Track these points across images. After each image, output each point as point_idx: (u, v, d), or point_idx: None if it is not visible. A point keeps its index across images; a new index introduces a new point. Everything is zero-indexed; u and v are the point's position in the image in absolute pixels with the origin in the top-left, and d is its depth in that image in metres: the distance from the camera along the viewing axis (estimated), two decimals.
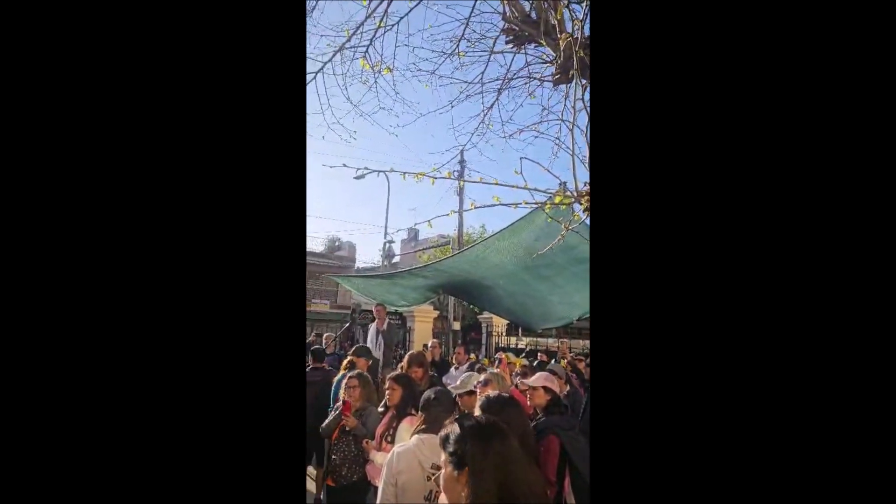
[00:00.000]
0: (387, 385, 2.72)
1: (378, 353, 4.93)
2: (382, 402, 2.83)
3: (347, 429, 2.83)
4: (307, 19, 3.10)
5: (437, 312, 8.07)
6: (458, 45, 3.36)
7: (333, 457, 2.87)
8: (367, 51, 3.61)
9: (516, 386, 3.13)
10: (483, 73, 3.47)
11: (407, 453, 1.83)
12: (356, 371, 3.23)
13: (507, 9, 2.80)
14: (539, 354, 5.91)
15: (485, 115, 3.70)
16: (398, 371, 3.17)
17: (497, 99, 3.61)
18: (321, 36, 3.18)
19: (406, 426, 2.36)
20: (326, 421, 3.04)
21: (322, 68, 3.03)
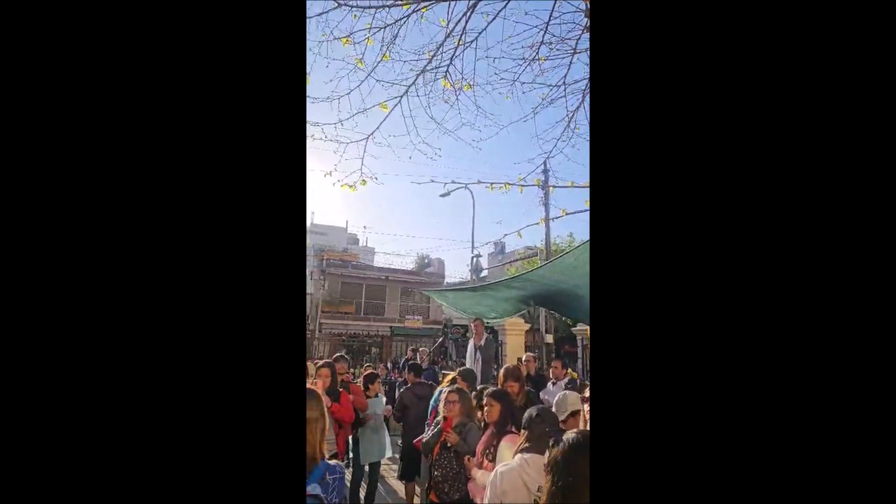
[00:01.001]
0: (484, 401, 2.68)
1: (476, 369, 4.91)
2: (481, 418, 2.79)
3: (448, 445, 2.82)
4: (391, 48, 3.25)
5: (529, 325, 7.87)
6: (537, 51, 3.30)
7: (436, 473, 2.88)
8: (447, 70, 3.70)
9: None
10: (566, 75, 3.36)
11: (511, 473, 1.76)
12: (455, 386, 3.23)
13: (590, 4, 2.70)
14: None
15: (570, 119, 3.57)
16: (495, 386, 3.11)
17: (582, 101, 3.46)
18: (403, 62, 3.30)
19: (507, 444, 2.29)
20: (427, 436, 3.06)
21: (406, 92, 3.14)
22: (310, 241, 21.86)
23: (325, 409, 1.65)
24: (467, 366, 5.09)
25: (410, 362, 4.90)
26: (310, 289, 18.86)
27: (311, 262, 19.70)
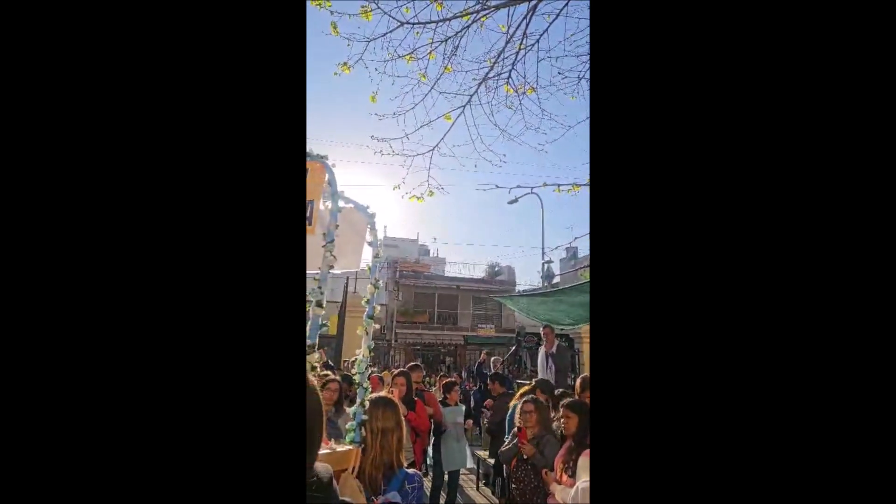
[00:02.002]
0: (561, 412, 2.58)
1: (549, 377, 4.75)
2: (558, 431, 2.69)
3: (525, 457, 2.75)
4: (452, 59, 3.30)
5: None
6: None
7: (513, 486, 2.81)
8: (509, 75, 3.67)
9: None
10: None
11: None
12: (531, 396, 3.15)
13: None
14: None
15: None
16: (572, 397, 2.98)
17: None
18: (465, 72, 3.33)
19: (587, 459, 2.18)
20: (503, 447, 3.00)
21: (468, 101, 3.16)
22: (383, 253, 22.61)
23: (402, 419, 1.67)
24: (539, 376, 4.94)
25: (495, 373, 4.84)
26: (384, 299, 19.48)
27: (385, 274, 20.38)
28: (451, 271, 23.77)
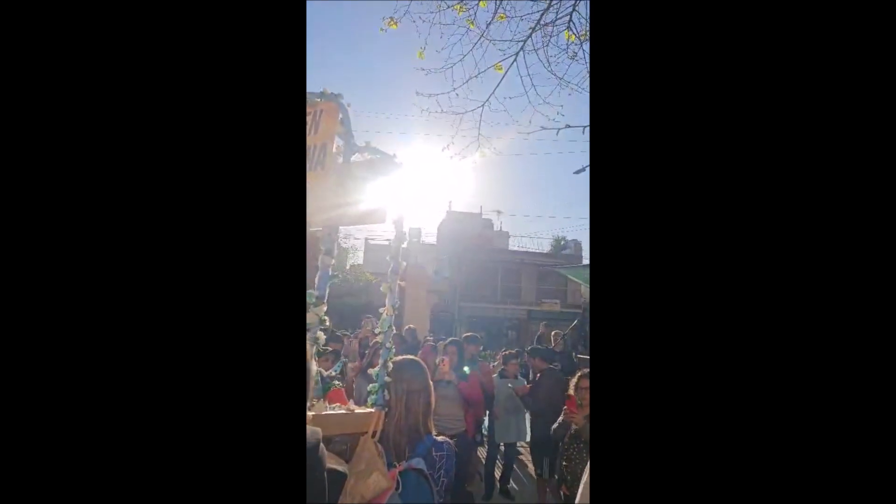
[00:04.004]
0: None
1: None
2: None
3: (575, 427, 2.56)
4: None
5: None
6: None
7: (564, 463, 2.63)
8: (570, 20, 3.31)
9: None
10: None
11: None
12: (587, 371, 2.92)
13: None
14: None
15: None
16: None
17: None
18: (521, 18, 3.03)
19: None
20: (555, 425, 2.83)
21: (521, 48, 2.88)
22: (448, 227, 22.71)
23: (430, 382, 1.55)
24: None
25: (535, 348, 4.58)
26: (448, 273, 19.63)
27: (448, 248, 20.47)
28: (514, 245, 23.37)
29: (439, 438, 1.51)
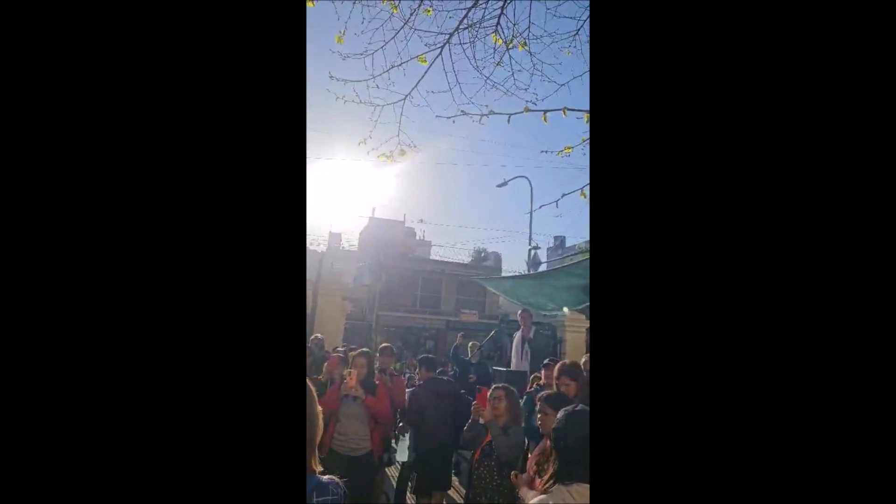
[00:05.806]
0: (538, 407, 2.20)
1: (524, 365, 4.40)
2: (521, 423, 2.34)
3: (482, 421, 2.41)
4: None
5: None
6: None
7: (475, 479, 2.45)
8: (498, 23, 3.22)
9: None
10: None
11: None
12: (503, 384, 2.78)
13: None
14: None
15: None
16: (550, 390, 2.62)
17: None
18: (448, 13, 2.87)
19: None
20: (465, 430, 2.65)
21: (448, 40, 2.71)
22: (370, 233, 22.19)
23: (318, 413, 1.26)
24: (514, 362, 4.58)
25: (422, 356, 4.28)
26: (367, 280, 19.10)
27: (370, 255, 19.96)
28: (436, 254, 23.44)
29: (325, 479, 1.23)
